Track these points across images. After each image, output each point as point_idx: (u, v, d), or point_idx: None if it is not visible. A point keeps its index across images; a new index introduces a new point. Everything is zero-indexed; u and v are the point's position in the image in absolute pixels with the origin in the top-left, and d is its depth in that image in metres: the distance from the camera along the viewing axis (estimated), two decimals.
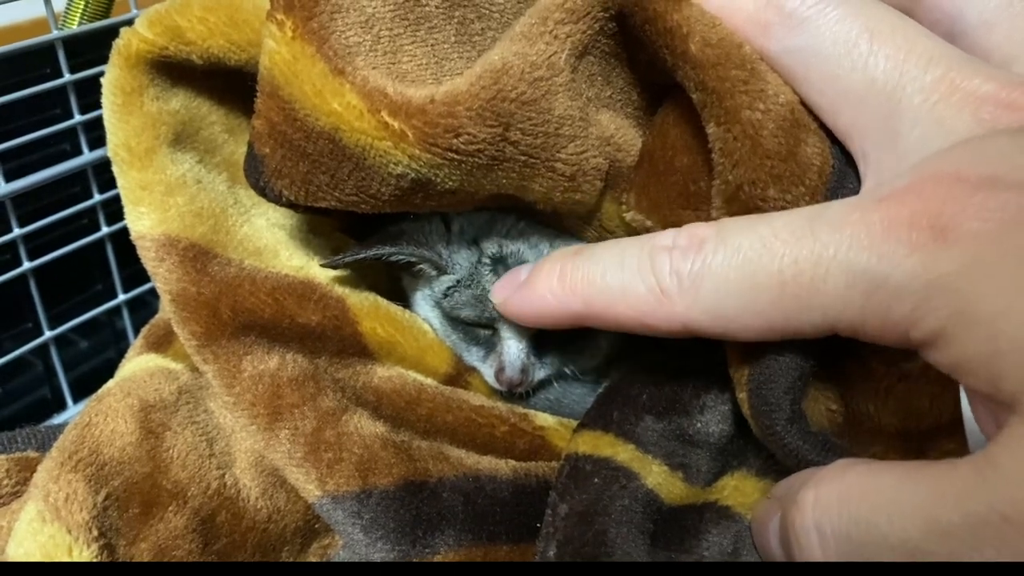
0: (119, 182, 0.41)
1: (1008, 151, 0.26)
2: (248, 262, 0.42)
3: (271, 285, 0.41)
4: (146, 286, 0.65)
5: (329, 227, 0.46)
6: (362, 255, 0.41)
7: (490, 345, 0.44)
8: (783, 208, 0.32)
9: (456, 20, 0.36)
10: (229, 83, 0.42)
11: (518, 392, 0.44)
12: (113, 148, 0.40)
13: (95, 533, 0.33)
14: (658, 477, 0.37)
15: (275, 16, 0.34)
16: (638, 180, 0.38)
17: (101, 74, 0.40)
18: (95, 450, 0.36)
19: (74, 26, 0.60)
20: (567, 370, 0.45)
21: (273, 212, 0.44)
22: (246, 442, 0.40)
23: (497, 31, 0.37)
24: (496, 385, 0.44)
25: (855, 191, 0.32)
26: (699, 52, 0.32)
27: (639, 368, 0.43)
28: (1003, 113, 0.28)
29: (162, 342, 0.45)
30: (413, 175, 0.34)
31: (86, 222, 0.63)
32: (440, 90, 0.33)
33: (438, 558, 0.37)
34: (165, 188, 0.40)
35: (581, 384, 0.46)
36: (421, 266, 0.43)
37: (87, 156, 0.59)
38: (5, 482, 0.40)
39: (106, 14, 0.61)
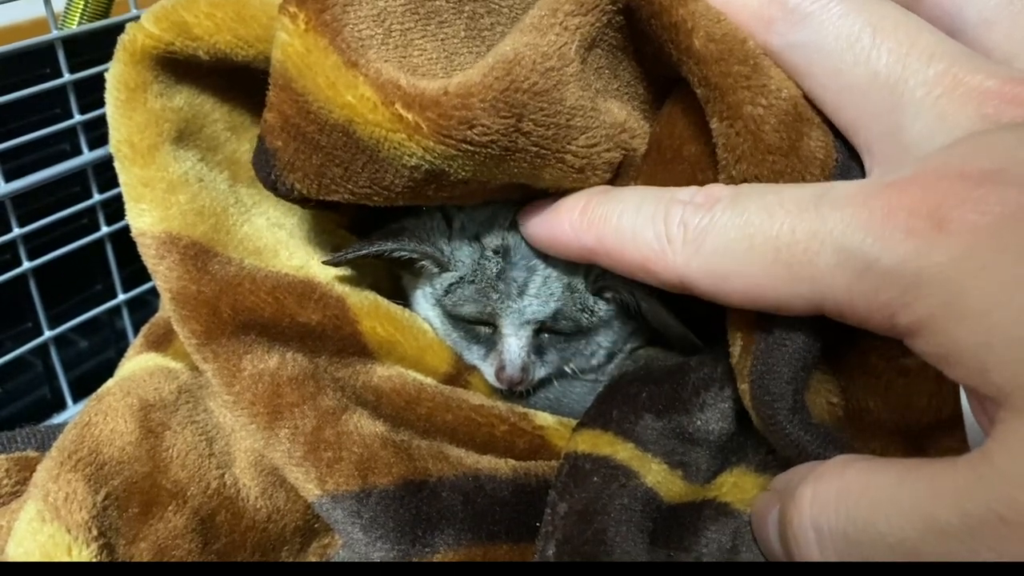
0: (121, 178, 0.41)
1: (1011, 147, 0.26)
2: (248, 261, 0.42)
3: (271, 284, 0.41)
4: (146, 286, 0.65)
5: (332, 225, 0.46)
6: (364, 251, 0.41)
7: (490, 343, 0.44)
8: None
9: (466, 15, 0.36)
10: (232, 81, 0.42)
11: (518, 391, 0.44)
12: (116, 144, 0.40)
13: (95, 533, 0.33)
14: (657, 475, 0.37)
15: (288, 9, 0.34)
16: (646, 168, 0.38)
17: (101, 74, 0.40)
18: (95, 450, 0.36)
19: (74, 26, 0.60)
20: (567, 369, 0.45)
21: (273, 211, 0.44)
22: (246, 441, 0.40)
23: (506, 26, 0.37)
24: (496, 383, 0.44)
25: None
26: (703, 47, 0.32)
27: (639, 367, 0.43)
28: (1006, 108, 0.28)
29: (162, 341, 0.45)
30: (427, 167, 0.34)
31: (86, 222, 0.63)
32: (453, 82, 0.33)
33: (438, 557, 0.37)
34: (167, 185, 0.40)
35: (581, 383, 0.46)
36: (423, 263, 0.43)
37: (87, 156, 0.59)
38: (5, 482, 0.40)
39: (106, 14, 0.62)
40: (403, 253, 0.42)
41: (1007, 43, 0.32)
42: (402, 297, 0.46)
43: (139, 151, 0.40)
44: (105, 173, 0.60)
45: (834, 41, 0.31)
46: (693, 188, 0.32)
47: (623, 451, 0.38)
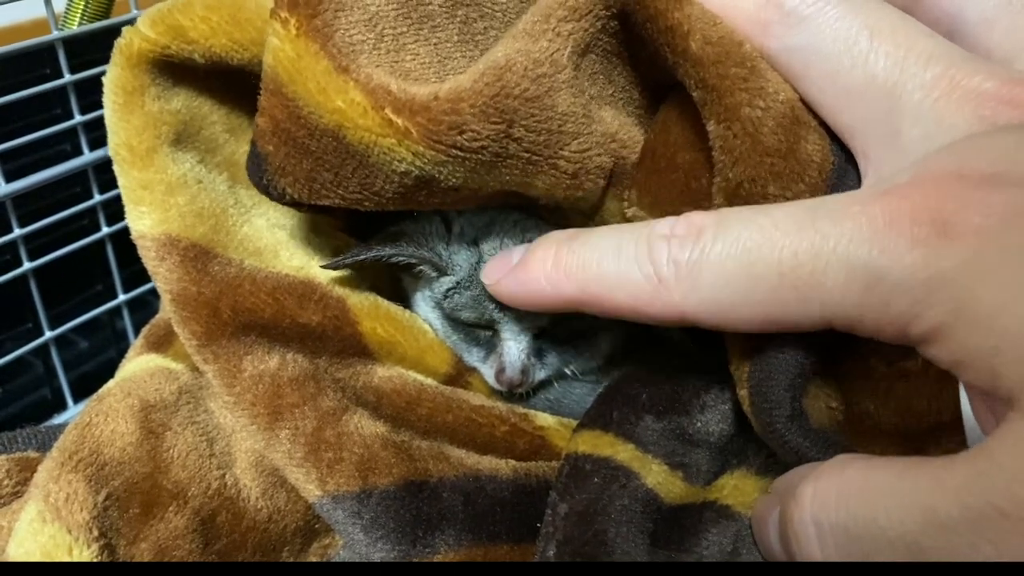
0: (120, 181, 0.41)
1: (1010, 148, 0.26)
2: (248, 262, 0.42)
3: (271, 285, 0.41)
4: (146, 286, 0.65)
5: (330, 226, 0.46)
6: (362, 256, 0.41)
7: (490, 346, 0.44)
8: None
9: (459, 19, 0.36)
10: (230, 83, 0.42)
11: (518, 392, 0.44)
12: (114, 147, 0.40)
13: (95, 533, 0.33)
14: (658, 476, 0.37)
15: (279, 14, 0.34)
16: (640, 177, 0.38)
17: (101, 74, 0.40)
18: (95, 450, 0.36)
19: (74, 26, 0.60)
20: (567, 370, 0.45)
21: (273, 212, 0.45)
22: (246, 442, 0.40)
23: (500, 31, 0.37)
24: (496, 385, 0.44)
25: (855, 188, 0.32)
26: (699, 50, 0.32)
27: (639, 368, 0.43)
28: (1004, 110, 0.28)
29: (162, 342, 0.45)
30: (417, 172, 0.34)
31: (86, 222, 0.63)
32: (444, 87, 0.33)
33: (438, 558, 0.37)
34: (166, 188, 0.40)
35: (581, 384, 0.46)
36: (421, 267, 0.43)
37: (87, 156, 0.59)
38: (5, 482, 0.40)
39: (106, 14, 0.61)
40: (401, 258, 0.42)
41: (1007, 43, 0.32)
42: (402, 298, 0.46)
43: (138, 154, 0.40)
44: (105, 174, 0.59)
45: (831, 44, 0.31)
46: (670, 220, 0.31)
47: (624, 452, 0.38)
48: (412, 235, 0.42)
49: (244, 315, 0.40)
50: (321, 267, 0.43)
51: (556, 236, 0.35)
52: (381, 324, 0.43)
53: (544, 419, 0.44)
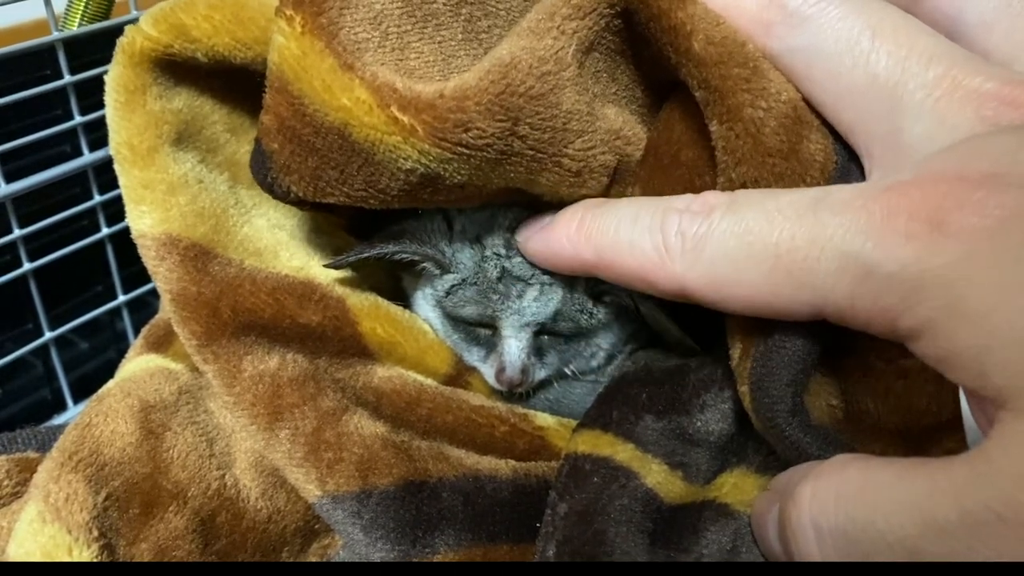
0: (121, 181, 0.41)
1: (1010, 149, 0.26)
2: (249, 262, 0.42)
3: (271, 285, 0.41)
4: (146, 287, 0.65)
5: (332, 226, 0.46)
6: (365, 254, 0.41)
7: (491, 345, 0.44)
8: None
9: (463, 18, 0.36)
10: (231, 83, 0.42)
11: (518, 392, 0.44)
12: (115, 146, 0.40)
13: (95, 533, 0.33)
14: (657, 476, 0.37)
15: (284, 12, 0.34)
16: (643, 174, 0.38)
17: (101, 75, 0.40)
18: (95, 450, 0.36)
19: (74, 27, 0.60)
20: (567, 370, 0.45)
21: (274, 212, 0.45)
22: (246, 442, 0.40)
23: (504, 29, 0.37)
24: (496, 385, 0.44)
25: None
26: (702, 50, 0.32)
27: (639, 368, 0.43)
28: (1005, 110, 0.28)
29: (162, 342, 0.45)
30: (422, 170, 0.34)
31: (86, 223, 0.63)
32: (449, 85, 0.33)
33: (438, 558, 0.37)
34: (167, 187, 0.40)
35: (581, 384, 0.46)
36: (424, 265, 0.43)
37: (87, 157, 0.59)
38: (5, 483, 0.40)
39: (106, 15, 0.62)
40: (404, 255, 0.42)
41: (1007, 45, 0.32)
42: (402, 298, 0.46)
43: (139, 153, 0.40)
44: (105, 174, 0.60)
45: (833, 44, 0.31)
46: (689, 196, 0.32)
47: (623, 452, 0.38)
48: (414, 233, 0.42)
49: (244, 315, 0.40)
50: (324, 266, 0.43)
51: (585, 202, 0.37)
52: (381, 324, 0.43)
53: (544, 419, 0.44)
